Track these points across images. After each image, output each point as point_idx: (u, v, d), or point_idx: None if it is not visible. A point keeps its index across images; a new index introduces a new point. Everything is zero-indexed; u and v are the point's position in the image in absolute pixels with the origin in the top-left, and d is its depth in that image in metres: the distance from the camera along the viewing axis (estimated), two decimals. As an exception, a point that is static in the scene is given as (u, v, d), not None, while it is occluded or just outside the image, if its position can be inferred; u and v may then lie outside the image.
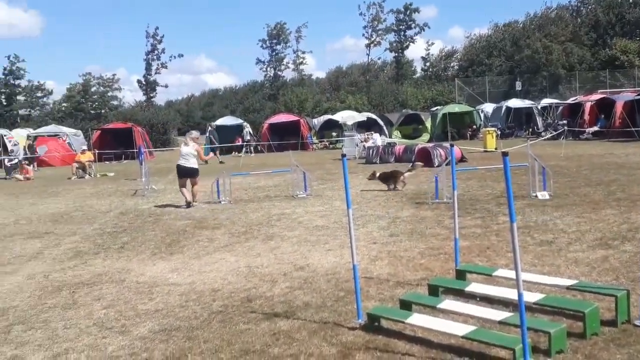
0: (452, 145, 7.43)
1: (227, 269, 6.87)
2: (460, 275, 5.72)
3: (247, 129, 34.21)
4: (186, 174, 12.28)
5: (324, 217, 10.07)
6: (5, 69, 59.01)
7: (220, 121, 37.16)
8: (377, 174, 13.58)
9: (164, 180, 17.95)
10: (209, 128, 35.34)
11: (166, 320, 5.18)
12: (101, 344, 4.72)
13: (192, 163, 12.29)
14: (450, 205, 10.21)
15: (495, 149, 23.02)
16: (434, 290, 5.40)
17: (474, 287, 5.23)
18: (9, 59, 59.08)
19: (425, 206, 10.54)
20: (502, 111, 34.51)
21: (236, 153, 32.25)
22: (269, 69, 66.34)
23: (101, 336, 4.88)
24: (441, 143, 21.85)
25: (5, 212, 12.97)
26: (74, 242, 9.09)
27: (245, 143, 33.09)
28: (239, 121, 36.94)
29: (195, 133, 13.55)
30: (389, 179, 13.26)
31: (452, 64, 65.71)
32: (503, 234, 7.83)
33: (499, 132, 29.37)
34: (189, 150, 12.38)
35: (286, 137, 34.04)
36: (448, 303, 4.90)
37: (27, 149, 29.20)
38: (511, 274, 5.46)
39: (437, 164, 16.96)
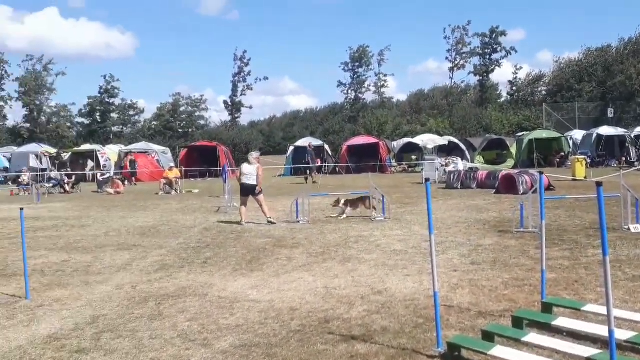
0: (541, 173, 7.15)
1: (305, 289, 6.92)
2: (547, 308, 5.48)
3: (310, 149, 34.29)
4: (248, 191, 12.83)
5: (402, 241, 9.96)
6: (101, 87, 62.96)
7: (300, 142, 37.80)
8: (342, 200, 13.66)
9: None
10: (290, 148, 36.02)
11: (246, 336, 5.27)
12: (184, 355, 4.87)
13: (254, 181, 12.75)
14: (535, 235, 9.85)
15: (585, 177, 21.98)
16: (518, 323, 5.20)
17: (561, 322, 4.99)
18: (105, 78, 63.08)
19: (509, 235, 10.20)
20: (593, 139, 33.00)
21: (315, 174, 32.61)
22: (350, 91, 66.93)
23: (184, 348, 5.04)
24: (527, 170, 21.13)
25: (97, 224, 13.72)
26: (160, 255, 9.47)
27: (310, 165, 33.44)
28: (319, 142, 37.42)
29: (256, 154, 13.86)
30: (357, 203, 13.53)
31: (539, 89, 63.70)
32: (592, 267, 7.45)
33: (589, 161, 28.06)
34: (253, 169, 12.84)
35: (365, 159, 34.11)
36: (533, 337, 4.71)
37: (128, 165, 30.90)
38: (601, 309, 5.19)
39: (522, 192, 16.42)
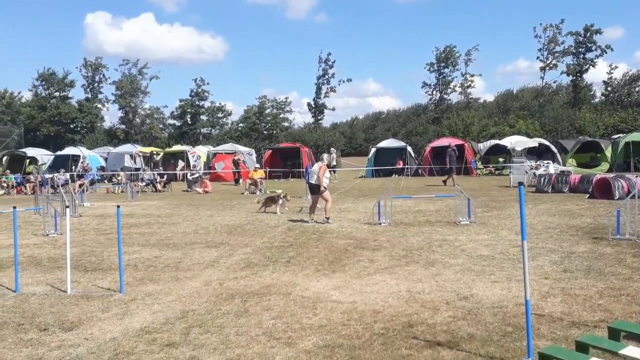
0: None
1: (387, 292, 6.86)
2: (647, 321, 5.13)
3: (333, 154, 33.80)
4: (312, 189, 13.63)
5: (489, 246, 9.66)
6: (192, 90, 65.51)
7: (382, 144, 37.61)
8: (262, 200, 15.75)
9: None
10: (372, 149, 35.94)
11: (329, 337, 5.29)
12: (270, 353, 4.95)
13: (316, 180, 13.29)
14: (633, 243, 9.28)
15: (689, 183, 20.42)
16: (614, 334, 4.89)
17: (665, 337, 4.65)
18: (195, 81, 65.60)
19: (604, 242, 9.64)
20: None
21: (396, 175, 32.38)
22: (434, 92, 65.82)
23: (269, 346, 5.12)
24: (623, 174, 19.91)
25: (187, 222, 14.26)
26: (246, 253, 9.71)
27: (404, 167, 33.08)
28: (401, 144, 37.07)
29: (325, 156, 14.68)
30: (269, 201, 15.25)
31: (637, 89, 59.88)
32: (700, 280, 6.91)
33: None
34: (316, 168, 13.53)
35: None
36: (631, 349, 4.43)
37: (234, 165, 31.98)
38: None
39: (618, 197, 15.51)
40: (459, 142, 35.04)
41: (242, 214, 15.72)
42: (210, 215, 15.54)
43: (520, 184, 4.83)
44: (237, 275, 8.02)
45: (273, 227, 12.89)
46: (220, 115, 68.23)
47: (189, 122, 65.65)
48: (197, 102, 65.67)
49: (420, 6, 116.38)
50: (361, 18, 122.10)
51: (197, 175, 28.30)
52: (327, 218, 13.29)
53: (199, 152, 37.40)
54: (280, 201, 15.23)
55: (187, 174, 29.78)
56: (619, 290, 6.56)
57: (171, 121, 67.99)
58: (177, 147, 40.77)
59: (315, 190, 13.39)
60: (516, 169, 25.17)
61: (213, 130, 66.96)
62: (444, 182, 24.21)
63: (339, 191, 22.61)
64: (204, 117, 66.83)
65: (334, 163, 30.09)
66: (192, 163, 34.57)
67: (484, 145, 35.41)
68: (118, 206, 7.62)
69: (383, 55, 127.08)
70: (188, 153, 35.66)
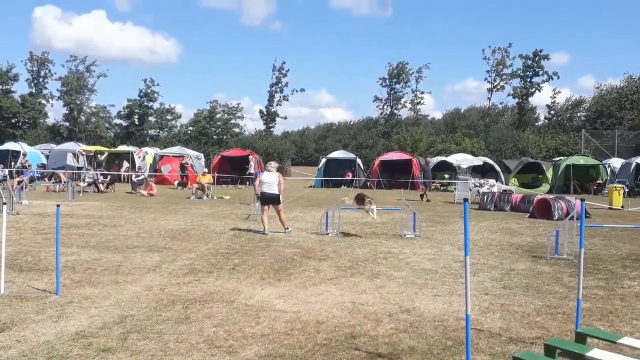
0: (583, 200, 6.97)
1: (332, 302, 6.85)
2: (581, 338, 5.31)
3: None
4: (270, 200, 12.83)
5: (432, 260, 9.82)
6: (141, 91, 64.16)
7: (333, 155, 37.83)
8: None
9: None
10: (322, 159, 36.10)
11: (272, 346, 5.23)
12: (209, 361, 4.85)
13: (276, 190, 12.78)
14: (570, 262, 9.62)
15: (622, 207, 21.42)
16: (550, 351, 5.03)
17: (596, 354, 4.82)
18: (145, 82, 64.27)
19: (543, 260, 9.96)
20: (632, 168, 32.14)
21: (345, 187, 32.58)
22: (385, 106, 66.77)
23: (210, 354, 5.02)
24: (563, 195, 20.68)
25: (129, 225, 13.90)
26: (189, 259, 9.53)
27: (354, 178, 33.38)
28: (351, 155, 37.37)
29: (275, 163, 13.79)
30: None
31: (579, 114, 62.54)
32: (628, 298, 7.23)
33: (627, 190, 27.32)
34: (274, 178, 12.83)
35: (397, 176, 33.93)
36: (566, 367, 4.55)
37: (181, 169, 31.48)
38: (638, 343, 5.02)
39: (557, 217, 16.08)
40: (408, 156, 35.66)
41: (188, 218, 15.45)
42: (154, 219, 15.20)
43: (465, 200, 4.93)
44: (180, 281, 7.85)
45: (219, 233, 12.72)
46: (169, 117, 67.01)
47: (136, 123, 64.18)
48: (145, 103, 64.31)
49: (375, 20, 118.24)
50: (317, 29, 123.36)
51: (142, 177, 27.68)
52: (287, 228, 12.94)
53: (147, 152, 36.57)
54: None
55: (131, 175, 29.09)
56: (555, 308, 6.76)
57: (118, 121, 66.33)
58: (122, 148, 39.78)
59: (273, 200, 12.84)
60: (461, 186, 25.76)
61: (161, 132, 65.71)
62: (422, 196, 24.56)
63: (287, 200, 22.54)
64: (152, 119, 65.45)
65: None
66: (137, 164, 33.77)
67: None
68: (58, 205, 7.34)
69: (337, 67, 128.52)
70: (134, 154, 34.84)
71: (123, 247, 10.54)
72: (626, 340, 5.13)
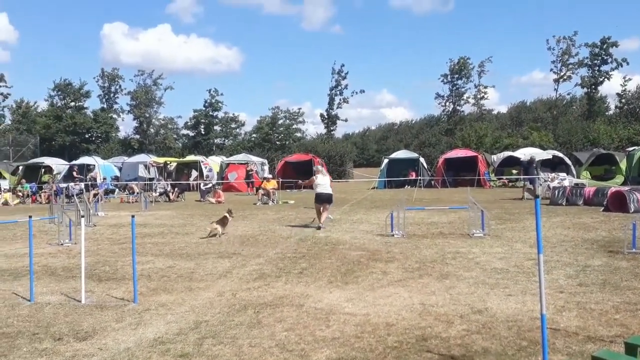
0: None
1: (401, 304, 6.82)
2: (664, 337, 5.05)
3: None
4: (327, 200, 14.48)
5: (503, 259, 9.58)
6: (206, 101, 66.01)
7: (395, 155, 37.58)
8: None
9: (339, 211, 18.51)
10: (385, 160, 35.93)
11: (342, 349, 5.27)
12: (282, 365, 4.94)
13: (330, 190, 14.54)
14: (651, 257, 9.16)
15: None
16: (631, 350, 4.81)
17: (682, 353, 4.57)
18: (209, 92, 66.10)
19: (620, 255, 9.54)
20: None
21: (408, 187, 32.28)
22: (447, 103, 65.80)
23: (282, 358, 5.11)
24: (638, 187, 19.71)
25: (200, 232, 14.30)
26: (258, 264, 9.71)
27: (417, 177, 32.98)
28: (414, 155, 36.99)
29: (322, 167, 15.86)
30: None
31: (652, 101, 59.49)
32: None
33: None
34: (327, 180, 14.66)
35: (462, 173, 33.32)
36: (650, 367, 4.35)
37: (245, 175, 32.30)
38: None
39: (633, 210, 15.35)
40: (473, 153, 34.94)
41: (255, 224, 15.75)
42: (223, 226, 15.55)
43: (537, 197, 4.79)
44: (250, 286, 8.03)
45: (286, 238, 12.89)
46: (233, 125, 68.66)
47: (203, 133, 66.09)
48: (210, 113, 66.14)
49: (435, 17, 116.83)
50: (376, 29, 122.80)
51: (210, 185, 28.42)
52: (323, 226, 14.16)
53: (212, 164, 37.54)
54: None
55: (200, 184, 29.92)
56: (635, 305, 6.48)
57: (185, 131, 68.56)
58: (190, 157, 40.99)
59: (328, 199, 14.46)
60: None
61: (226, 140, 67.34)
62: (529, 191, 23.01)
63: (350, 202, 22.59)
64: (217, 128, 67.27)
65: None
66: (205, 173, 34.72)
67: (497, 157, 35.25)
68: (132, 216, 7.66)
69: (397, 67, 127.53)
70: (201, 163, 35.84)
71: (195, 254, 10.87)
72: None
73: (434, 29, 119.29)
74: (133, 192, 27.98)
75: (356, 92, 67.78)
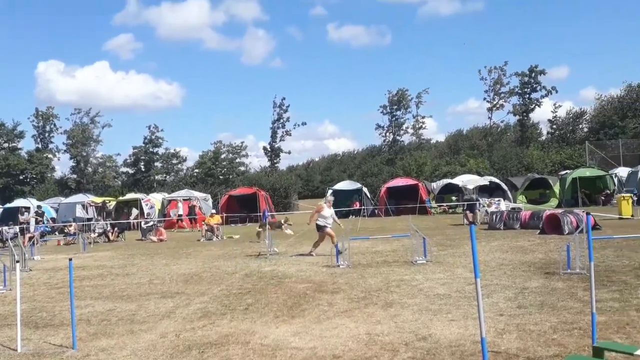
0: (588, 214, 7.00)
1: (347, 335, 6.84)
2: (598, 353, 5.27)
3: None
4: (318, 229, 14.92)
5: (445, 285, 9.79)
6: (145, 138, 64.93)
7: (338, 185, 37.95)
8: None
9: (285, 243, 18.46)
10: (329, 191, 36.21)
11: (289, 385, 5.23)
12: (228, 404, 4.85)
13: (330, 223, 14.90)
14: (583, 277, 9.58)
15: (632, 216, 21.33)
16: (569, 369, 5.02)
17: (615, 368, 4.80)
18: (149, 128, 65.12)
19: (556, 276, 9.92)
20: (639, 176, 32.08)
21: (353, 217, 32.58)
22: (388, 134, 67.27)
23: (228, 397, 5.02)
24: (572, 209, 20.63)
25: (141, 272, 13.94)
26: (203, 302, 9.54)
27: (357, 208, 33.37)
28: (357, 185, 37.46)
29: (330, 197, 16.65)
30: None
31: (581, 126, 62.73)
32: (646, 309, 7.17)
33: (636, 199, 27.21)
34: (329, 213, 14.90)
35: (404, 201, 33.96)
36: (586, 384, 4.53)
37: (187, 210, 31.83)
38: (658, 355, 4.99)
39: (567, 232, 16.03)
40: (414, 181, 35.73)
41: (199, 261, 15.49)
42: (166, 264, 15.25)
43: (472, 223, 4.96)
44: (194, 325, 7.87)
45: (231, 273, 12.74)
46: (175, 161, 67.67)
47: (143, 170, 64.84)
48: (151, 149, 65.06)
49: (373, 50, 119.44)
50: (316, 62, 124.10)
51: (151, 223, 27.80)
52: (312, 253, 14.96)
53: (153, 200, 36.81)
54: (284, 226, 15.24)
55: (141, 222, 29.22)
56: (571, 324, 6.73)
57: (124, 169, 67.06)
58: (130, 195, 40.06)
59: (318, 228, 14.90)
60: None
61: (168, 176, 66.24)
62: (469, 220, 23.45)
63: (296, 234, 22.58)
64: (158, 164, 66.14)
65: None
66: (146, 211, 33.96)
67: (437, 185, 36.18)
68: (70, 259, 7.42)
69: (338, 98, 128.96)
70: (142, 201, 35.08)
71: (136, 296, 10.57)
72: (644, 352, 5.09)
73: (372, 61, 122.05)
74: (71, 234, 27.02)
75: (298, 125, 68.32)
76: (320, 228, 14.72)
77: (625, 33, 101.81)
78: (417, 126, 67.21)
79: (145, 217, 32.53)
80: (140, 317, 8.63)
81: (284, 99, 63.91)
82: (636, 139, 50.75)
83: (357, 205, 34.48)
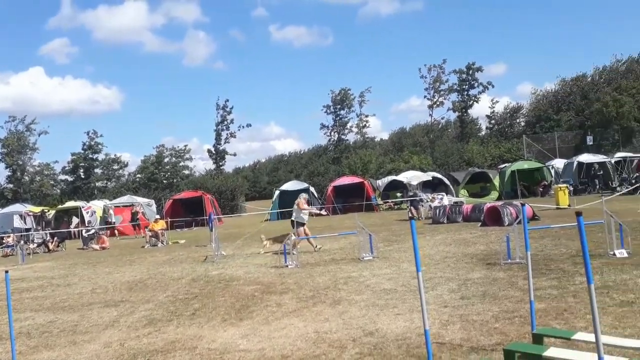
0: (523, 205, 7.24)
1: (296, 335, 6.85)
2: (537, 339, 5.47)
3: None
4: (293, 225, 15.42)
5: (392, 280, 9.94)
6: (84, 144, 63.02)
7: (286, 186, 37.89)
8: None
9: (232, 246, 18.30)
10: (276, 192, 36.16)
11: (237, 388, 5.19)
12: (175, 411, 4.76)
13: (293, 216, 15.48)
14: (523, 266, 9.89)
15: (569, 205, 22.23)
16: (510, 356, 5.17)
17: (552, 352, 4.98)
18: (88, 134, 63.24)
19: (497, 267, 10.23)
20: (574, 167, 33.49)
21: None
22: (332, 133, 67.71)
23: (175, 404, 4.94)
24: (511, 201, 21.32)
25: (83, 282, 13.52)
26: (148, 309, 9.34)
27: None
28: (304, 185, 37.52)
29: (303, 194, 16.78)
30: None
31: (518, 121, 64.94)
32: (581, 295, 7.48)
33: (572, 189, 28.38)
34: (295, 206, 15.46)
35: (350, 199, 34.24)
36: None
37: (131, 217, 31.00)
38: (591, 337, 5.19)
39: (507, 223, 16.54)
40: (359, 180, 36.08)
41: (143, 268, 15.15)
42: (109, 273, 14.84)
43: (412, 219, 5.05)
44: (139, 333, 7.69)
45: (177, 279, 12.52)
46: (116, 167, 66.01)
47: (82, 177, 62.93)
48: (90, 155, 63.22)
49: (316, 50, 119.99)
50: (259, 63, 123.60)
51: (92, 231, 26.99)
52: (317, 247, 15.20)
53: (94, 207, 35.74)
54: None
55: (82, 230, 28.34)
56: (512, 313, 6.95)
57: (63, 177, 64.89)
58: (70, 203, 38.77)
59: (292, 225, 15.29)
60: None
61: (109, 183, 64.50)
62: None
63: (244, 236, 22.42)
64: (98, 171, 64.34)
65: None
66: (87, 219, 32.95)
67: (382, 182, 36.67)
68: (6, 271, 7.11)
69: (283, 99, 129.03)
70: (82, 209, 34.02)
71: (78, 306, 10.25)
72: (580, 336, 5.31)
73: (316, 62, 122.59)
74: (9, 246, 25.90)
75: (243, 126, 68.14)
76: (300, 224, 15.18)
77: (558, 29, 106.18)
78: (361, 125, 68.02)
79: (86, 225, 31.57)
80: (82, 328, 8.38)
81: (227, 100, 63.44)
82: (570, 132, 53.02)
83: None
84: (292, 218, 15.52)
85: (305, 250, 14.83)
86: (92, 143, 63.18)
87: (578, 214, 3.78)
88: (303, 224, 15.31)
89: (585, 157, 34.62)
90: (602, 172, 32.69)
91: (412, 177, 34.89)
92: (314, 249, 15.08)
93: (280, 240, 14.63)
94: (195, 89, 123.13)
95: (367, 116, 68.24)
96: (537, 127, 56.51)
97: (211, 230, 16.50)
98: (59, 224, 34.15)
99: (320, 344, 6.35)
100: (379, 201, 34.77)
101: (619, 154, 35.38)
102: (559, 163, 36.97)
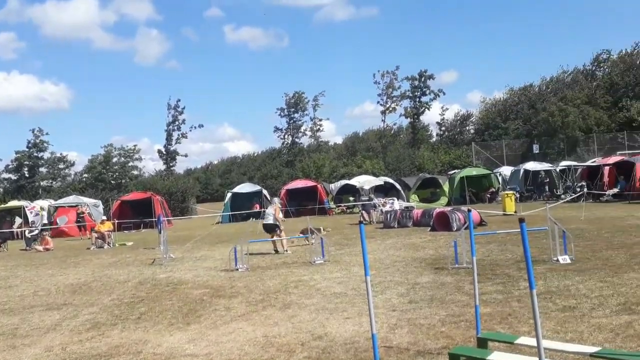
0: (469, 210, 7.39)
1: (244, 339, 6.78)
2: (482, 343, 5.58)
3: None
4: (267, 229, 15.76)
5: (342, 283, 9.98)
6: (29, 142, 60.89)
7: (238, 188, 37.61)
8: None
9: (181, 249, 18.01)
10: (228, 194, 35.80)
11: (182, 394, 5.09)
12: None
13: (272, 220, 15.57)
14: (469, 271, 10.09)
15: (515, 212, 22.84)
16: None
17: (496, 356, 5.08)
18: (33, 132, 61.10)
19: (445, 271, 10.41)
20: (521, 174, 34.45)
21: (253, 219, 32.39)
22: (286, 136, 67.65)
23: (117, 411, 4.81)
24: (459, 207, 21.76)
25: (24, 284, 13.04)
26: (92, 313, 9.08)
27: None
28: (257, 188, 37.32)
29: (277, 199, 17.62)
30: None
31: (467, 128, 66.45)
32: (525, 299, 7.68)
33: (518, 195, 29.19)
34: (270, 211, 15.83)
35: (304, 203, 34.23)
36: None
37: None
38: (533, 341, 5.33)
39: (455, 228, 16.86)
40: (313, 183, 36.13)
41: (88, 270, 14.73)
42: (52, 275, 14.35)
43: (361, 222, 5.09)
44: (82, 337, 7.46)
45: (123, 282, 12.22)
46: (62, 166, 64.00)
47: (27, 175, 60.76)
48: (35, 154, 61.11)
49: (271, 52, 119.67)
50: (213, 64, 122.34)
51: (36, 231, 26.07)
52: (286, 250, 15.22)
53: (39, 208, 34.55)
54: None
55: (25, 231, 27.34)
56: (458, 317, 7.07)
57: (6, 175, 62.45)
58: (13, 203, 37.37)
59: (271, 228, 15.57)
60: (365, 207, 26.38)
61: (54, 182, 62.47)
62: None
63: (194, 239, 22.10)
64: (43, 169, 62.25)
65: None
66: (30, 219, 31.82)
67: (335, 186, 36.84)
68: (-63, 273, 6.79)
69: (237, 101, 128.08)
70: (26, 209, 32.83)
71: (19, 309, 9.87)
72: (522, 340, 5.45)
73: (271, 64, 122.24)
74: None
75: (195, 127, 67.22)
76: (276, 227, 15.56)
77: (508, 39, 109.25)
78: (314, 128, 68.23)
79: (30, 225, 30.49)
80: (23, 331, 8.07)
81: (179, 100, 62.54)
82: (518, 140, 54.63)
83: (257, 208, 34.29)
84: (270, 222, 15.60)
85: (257, 253, 14.74)
86: (38, 141, 61.11)
87: (521, 220, 3.88)
88: (279, 226, 15.72)
89: (532, 165, 35.67)
90: (548, 180, 33.71)
91: (364, 181, 35.18)
92: (284, 251, 15.27)
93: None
94: (147, 88, 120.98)
95: (321, 120, 68.65)
96: (485, 135, 57.96)
97: (160, 232, 16.17)
98: (1, 223, 32.84)
99: (268, 348, 6.31)
100: (332, 205, 34.90)
101: (564, 163, 36.60)
102: (506, 170, 37.95)
